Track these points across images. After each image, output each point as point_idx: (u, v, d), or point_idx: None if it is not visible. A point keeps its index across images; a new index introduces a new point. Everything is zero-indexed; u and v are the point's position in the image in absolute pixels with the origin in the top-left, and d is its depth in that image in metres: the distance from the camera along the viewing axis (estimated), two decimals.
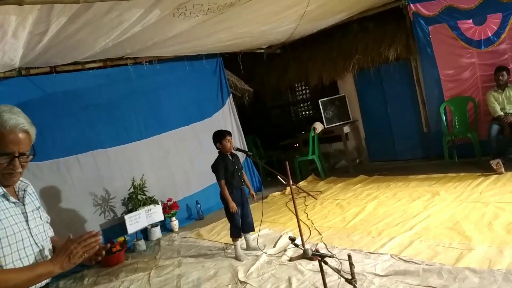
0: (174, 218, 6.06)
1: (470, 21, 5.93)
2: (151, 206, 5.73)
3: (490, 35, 5.82)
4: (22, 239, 1.63)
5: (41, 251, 1.71)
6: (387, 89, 7.45)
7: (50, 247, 1.82)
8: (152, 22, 4.31)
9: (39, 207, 1.83)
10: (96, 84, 5.81)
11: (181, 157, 6.64)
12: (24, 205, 1.71)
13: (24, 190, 1.76)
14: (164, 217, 5.90)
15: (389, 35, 6.97)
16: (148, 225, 5.74)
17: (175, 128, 6.63)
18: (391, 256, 3.47)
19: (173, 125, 6.61)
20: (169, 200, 6.08)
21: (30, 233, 1.67)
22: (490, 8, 5.72)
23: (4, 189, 1.63)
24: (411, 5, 6.35)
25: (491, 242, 3.34)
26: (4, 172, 1.60)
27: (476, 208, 4.18)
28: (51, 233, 1.94)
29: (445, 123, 6.37)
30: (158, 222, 5.85)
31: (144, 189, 5.81)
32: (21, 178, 1.74)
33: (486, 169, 5.29)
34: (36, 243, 1.69)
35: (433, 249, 3.45)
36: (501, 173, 5.14)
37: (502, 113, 5.58)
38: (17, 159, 1.58)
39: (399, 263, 3.32)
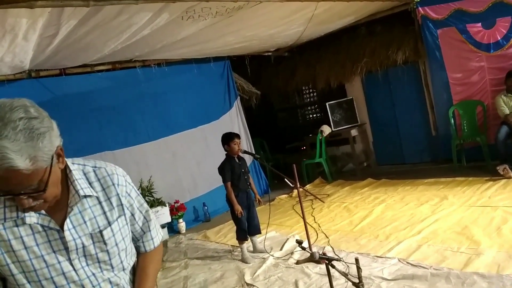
0: (181, 220, 6.08)
1: (479, 24, 5.90)
2: (158, 208, 5.75)
3: (499, 38, 5.78)
4: (52, 277, 1.20)
5: None
6: (395, 93, 7.42)
7: None
8: (160, 25, 4.34)
9: (103, 228, 1.27)
10: (105, 87, 5.86)
11: (188, 159, 6.66)
12: (63, 230, 1.20)
13: (81, 202, 1.25)
14: (171, 218, 5.92)
15: (397, 38, 6.95)
16: None
17: (182, 130, 6.66)
18: (399, 260, 3.45)
19: (180, 128, 6.64)
20: (176, 202, 6.09)
21: (73, 267, 1.23)
22: (499, 11, 5.68)
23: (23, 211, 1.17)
24: (420, 8, 6.33)
25: (500, 247, 3.32)
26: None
27: (484, 213, 4.15)
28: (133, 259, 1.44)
29: (453, 127, 6.33)
30: (165, 223, 5.87)
31: (151, 190, 5.83)
32: (80, 184, 1.25)
33: (495, 173, 5.25)
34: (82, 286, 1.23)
35: (441, 253, 3.43)
36: (509, 177, 5.09)
37: (508, 112, 5.54)
38: (20, 196, 1.07)
39: (406, 267, 3.30)
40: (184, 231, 6.05)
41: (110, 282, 1.30)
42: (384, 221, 4.58)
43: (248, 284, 3.67)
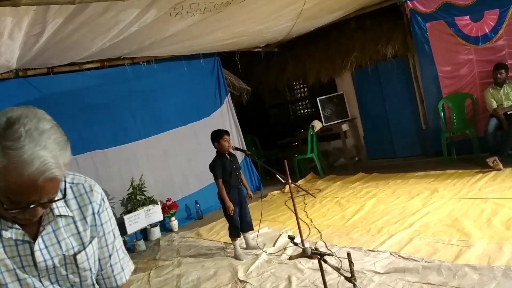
0: (173, 218, 6.06)
1: (467, 17, 5.93)
2: (150, 206, 5.72)
3: (487, 31, 5.82)
4: None
5: None
6: (385, 87, 7.45)
7: None
8: (148, 22, 4.30)
9: (77, 251, 1.21)
10: (94, 85, 5.80)
11: (179, 157, 6.63)
12: (35, 243, 1.15)
13: (55, 221, 1.18)
14: (164, 217, 5.90)
15: (387, 32, 6.97)
16: (148, 225, 5.73)
17: (173, 128, 6.62)
18: (391, 254, 3.47)
19: (171, 125, 6.60)
20: (168, 200, 6.07)
21: (42, 284, 1.18)
22: (487, 4, 5.72)
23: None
24: (408, 2, 6.36)
25: (490, 238, 3.35)
26: (16, 218, 1.08)
27: (475, 205, 4.18)
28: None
29: (443, 120, 6.37)
30: (157, 222, 5.85)
31: (143, 189, 5.80)
32: (56, 207, 1.17)
33: (485, 166, 5.29)
34: None
35: (432, 246, 3.46)
36: (499, 169, 5.13)
37: (496, 106, 5.60)
38: (38, 207, 1.05)
39: (398, 260, 3.32)
40: (176, 229, 6.03)
41: None
42: (376, 215, 4.60)
43: (241, 281, 3.67)
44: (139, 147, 6.16)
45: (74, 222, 1.22)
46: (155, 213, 5.77)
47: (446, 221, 3.95)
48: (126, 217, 5.44)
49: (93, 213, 1.25)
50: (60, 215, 1.18)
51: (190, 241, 5.31)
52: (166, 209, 5.98)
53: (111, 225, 1.30)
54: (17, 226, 1.13)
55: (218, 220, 5.78)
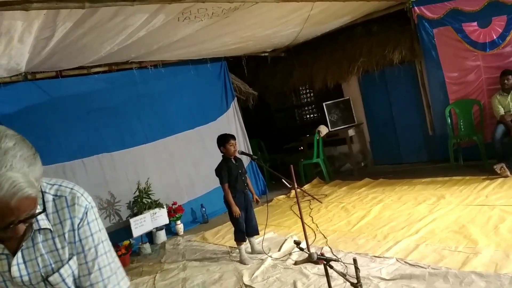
0: (179, 222, 6.07)
1: (475, 23, 5.92)
2: (156, 210, 5.74)
3: (495, 37, 5.79)
4: None
5: None
6: (391, 92, 7.43)
7: None
8: (157, 27, 4.33)
9: (55, 269, 1.14)
10: (101, 88, 5.85)
11: (185, 161, 6.66)
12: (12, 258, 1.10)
13: (34, 234, 1.13)
14: (169, 220, 5.91)
15: (394, 38, 6.96)
16: (153, 228, 5.74)
17: (179, 131, 6.65)
18: (397, 260, 3.45)
19: (177, 129, 6.63)
20: (174, 203, 6.09)
21: None
22: (495, 10, 5.70)
23: None
24: (416, 8, 6.34)
25: (497, 245, 3.32)
26: None
27: (482, 212, 4.16)
28: None
29: (450, 126, 6.35)
30: (163, 225, 5.86)
31: (149, 192, 5.82)
32: (35, 220, 1.11)
33: (492, 172, 5.26)
34: None
35: (439, 253, 3.44)
36: (506, 176, 5.10)
37: (503, 113, 5.57)
38: (18, 224, 0.99)
39: (404, 267, 3.31)
40: (182, 233, 6.04)
41: None
42: (382, 221, 4.59)
43: (246, 285, 3.66)
44: (145, 151, 6.19)
45: (53, 238, 1.14)
46: (161, 217, 5.78)
47: (452, 227, 3.92)
48: (132, 220, 5.46)
49: (73, 229, 1.16)
50: (39, 229, 1.12)
51: (196, 245, 5.32)
52: (172, 212, 5.99)
53: (93, 241, 1.19)
54: None
55: (224, 224, 5.78)
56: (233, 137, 4.41)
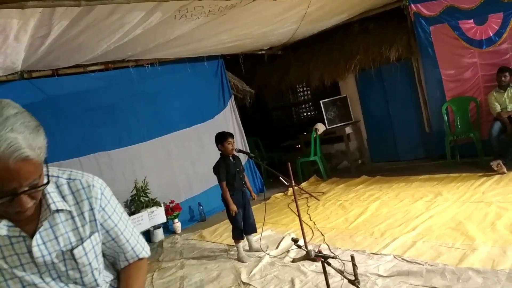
0: (176, 220, 6.06)
1: (471, 21, 5.93)
2: (154, 208, 5.73)
3: (491, 34, 5.81)
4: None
5: None
6: (388, 90, 7.45)
7: None
8: (153, 25, 4.32)
9: (75, 245, 1.22)
10: (98, 87, 5.83)
11: (183, 159, 6.65)
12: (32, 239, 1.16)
13: (52, 216, 1.20)
14: (167, 219, 5.91)
15: (390, 35, 6.97)
16: (151, 227, 5.74)
17: (177, 130, 6.64)
18: (394, 257, 3.46)
19: (175, 127, 6.62)
20: (172, 202, 6.08)
21: (43, 280, 1.19)
22: (491, 7, 5.71)
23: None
24: (412, 5, 6.35)
25: (494, 242, 3.34)
26: (8, 213, 1.09)
27: (479, 208, 4.17)
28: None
29: (447, 123, 6.36)
30: (160, 224, 5.85)
31: (146, 191, 5.82)
32: (53, 197, 1.19)
33: (489, 169, 5.27)
34: None
35: (436, 249, 3.45)
36: (503, 173, 5.12)
37: (500, 110, 5.59)
38: (22, 195, 1.04)
39: (402, 263, 3.32)
40: (179, 231, 6.04)
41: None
42: (379, 218, 4.60)
43: (244, 283, 3.67)
44: (143, 149, 6.18)
45: (72, 217, 1.23)
46: (158, 215, 5.77)
47: (450, 224, 3.94)
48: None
49: (91, 209, 1.25)
50: (57, 210, 1.19)
51: (193, 243, 5.32)
52: (170, 211, 5.98)
53: (116, 215, 1.34)
54: (11, 223, 1.13)
55: (221, 222, 5.78)
56: (231, 135, 4.41)
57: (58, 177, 1.24)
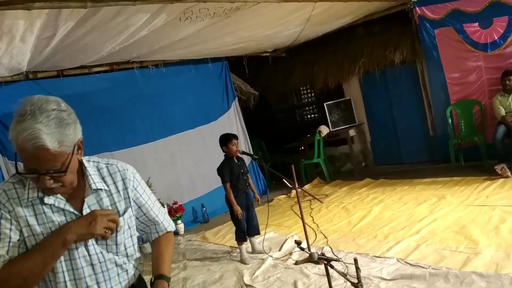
0: (179, 221, 6.07)
1: (476, 24, 5.91)
2: None
3: (496, 38, 5.79)
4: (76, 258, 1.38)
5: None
6: (392, 93, 7.43)
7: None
8: (158, 26, 4.34)
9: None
10: (103, 88, 5.85)
11: (186, 160, 6.66)
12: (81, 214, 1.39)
13: (97, 193, 1.45)
14: None
15: (395, 38, 6.96)
16: None
17: (180, 131, 6.65)
18: (397, 260, 3.45)
19: (178, 128, 6.63)
20: (175, 203, 6.09)
21: (85, 244, 1.39)
22: (496, 11, 5.70)
23: (43, 193, 1.35)
24: (417, 8, 6.34)
25: (498, 246, 3.32)
26: (42, 189, 1.33)
27: (482, 212, 4.16)
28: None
29: (451, 127, 6.34)
30: None
31: None
32: (93, 178, 1.44)
33: (493, 173, 5.26)
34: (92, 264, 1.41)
35: (439, 253, 3.44)
36: (507, 177, 5.10)
37: (504, 113, 5.58)
38: (44, 176, 1.26)
39: (405, 267, 3.31)
40: (182, 233, 6.04)
41: (115, 263, 1.46)
42: (383, 221, 4.59)
43: (247, 285, 3.67)
44: (146, 150, 6.19)
45: (111, 194, 1.48)
46: None
47: (453, 228, 3.92)
48: None
49: (126, 188, 1.51)
50: (97, 189, 1.44)
51: (196, 245, 5.32)
52: (173, 212, 5.99)
53: (146, 195, 1.61)
54: (60, 196, 1.37)
55: (224, 224, 5.78)
56: (235, 136, 4.42)
57: (98, 162, 1.52)
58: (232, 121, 7.48)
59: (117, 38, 4.45)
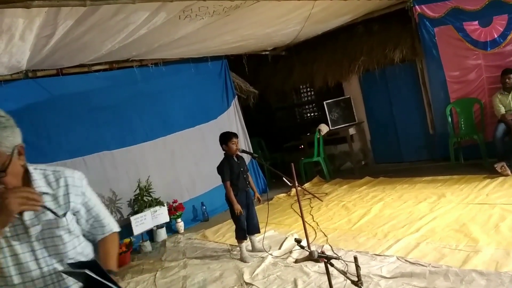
0: (179, 220, 6.08)
1: (476, 22, 5.91)
2: (157, 208, 5.74)
3: (496, 36, 5.79)
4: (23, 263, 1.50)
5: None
6: (392, 91, 7.43)
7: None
8: (158, 25, 4.33)
9: (55, 218, 1.56)
10: (102, 86, 5.84)
11: (186, 159, 6.66)
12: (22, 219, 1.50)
13: (41, 197, 1.54)
14: (170, 218, 5.92)
15: (394, 36, 6.95)
16: (154, 226, 5.75)
17: (180, 130, 6.65)
18: (397, 258, 3.46)
19: (178, 127, 6.63)
20: (175, 201, 6.09)
21: (34, 255, 1.52)
22: (496, 9, 5.69)
23: None
24: (417, 6, 6.34)
25: (498, 244, 3.33)
26: None
27: (482, 210, 4.16)
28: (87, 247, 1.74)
29: (451, 125, 6.34)
30: (163, 223, 5.86)
31: (149, 190, 5.83)
32: (39, 183, 1.55)
33: (493, 171, 5.26)
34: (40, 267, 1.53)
35: (439, 251, 3.44)
36: (507, 175, 5.10)
37: (504, 112, 5.58)
38: None
39: (405, 265, 3.31)
40: (182, 231, 6.05)
41: (61, 261, 1.57)
42: (382, 219, 4.59)
43: (247, 283, 3.67)
44: (146, 149, 6.19)
45: (56, 198, 1.58)
46: (162, 215, 5.78)
47: (453, 226, 3.93)
48: (132, 218, 5.46)
49: (67, 193, 1.61)
50: (43, 193, 1.53)
51: (196, 243, 5.33)
52: (173, 210, 6.00)
53: (93, 200, 1.74)
54: None
55: (224, 222, 5.79)
56: (235, 135, 4.42)
57: (45, 169, 1.61)
58: (232, 119, 7.47)
59: (117, 37, 4.44)
